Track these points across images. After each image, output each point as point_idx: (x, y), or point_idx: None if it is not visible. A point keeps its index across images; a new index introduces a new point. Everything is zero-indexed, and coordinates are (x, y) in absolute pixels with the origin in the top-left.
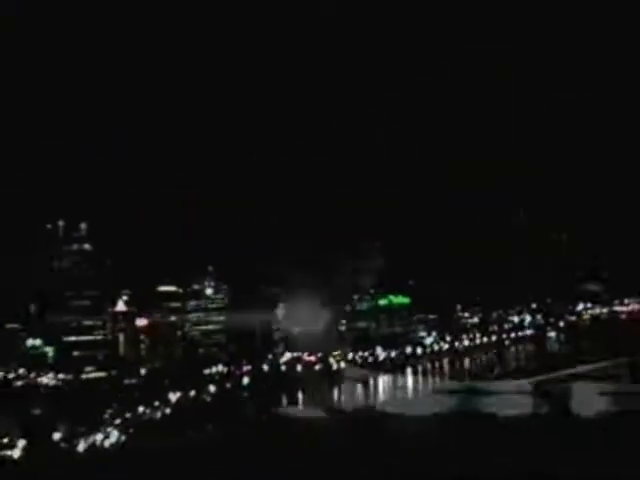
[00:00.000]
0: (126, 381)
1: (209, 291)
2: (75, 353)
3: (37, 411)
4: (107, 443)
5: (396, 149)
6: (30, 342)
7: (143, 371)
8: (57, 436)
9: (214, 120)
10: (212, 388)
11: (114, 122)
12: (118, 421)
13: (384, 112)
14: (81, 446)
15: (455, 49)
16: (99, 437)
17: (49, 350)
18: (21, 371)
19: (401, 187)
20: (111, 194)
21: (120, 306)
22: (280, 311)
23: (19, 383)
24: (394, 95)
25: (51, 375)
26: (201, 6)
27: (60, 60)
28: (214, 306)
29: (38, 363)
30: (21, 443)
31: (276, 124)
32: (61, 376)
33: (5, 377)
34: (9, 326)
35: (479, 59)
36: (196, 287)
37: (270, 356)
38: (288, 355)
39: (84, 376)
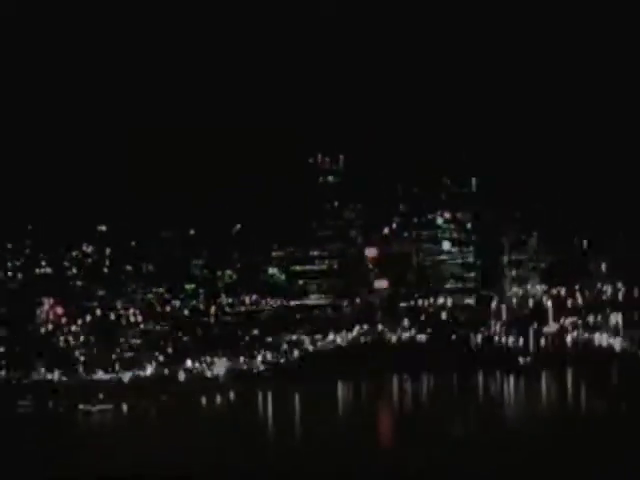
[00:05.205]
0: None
1: (439, 220)
2: (300, 281)
3: None
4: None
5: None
6: (270, 270)
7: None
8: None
9: (212, 120)
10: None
11: (113, 122)
12: (284, 347)
13: (384, 111)
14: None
15: (455, 49)
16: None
17: (283, 278)
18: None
19: None
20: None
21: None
22: None
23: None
24: (394, 95)
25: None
26: (201, 6)
27: (59, 60)
28: (446, 236)
29: (270, 290)
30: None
31: (275, 124)
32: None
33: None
34: (275, 254)
35: (479, 59)
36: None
37: None
38: None
39: (307, 302)
